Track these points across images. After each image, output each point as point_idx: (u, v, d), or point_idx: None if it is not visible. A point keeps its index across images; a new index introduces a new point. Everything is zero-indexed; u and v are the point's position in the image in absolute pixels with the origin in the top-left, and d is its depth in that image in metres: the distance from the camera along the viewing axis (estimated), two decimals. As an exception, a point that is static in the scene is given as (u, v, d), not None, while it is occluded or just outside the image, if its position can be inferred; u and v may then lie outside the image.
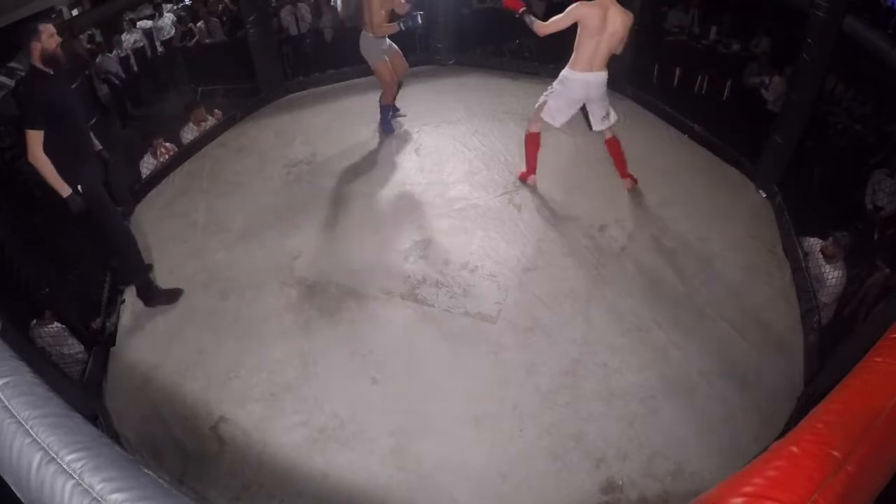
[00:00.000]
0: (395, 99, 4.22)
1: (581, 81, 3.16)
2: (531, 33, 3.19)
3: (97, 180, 2.72)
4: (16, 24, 2.69)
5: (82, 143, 2.69)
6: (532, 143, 3.57)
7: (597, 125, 3.37)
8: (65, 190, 2.53)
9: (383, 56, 3.90)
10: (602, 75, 3.16)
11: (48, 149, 2.48)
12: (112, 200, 2.82)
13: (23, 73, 2.71)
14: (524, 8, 3.20)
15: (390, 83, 3.99)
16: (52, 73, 2.47)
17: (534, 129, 3.50)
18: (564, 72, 3.21)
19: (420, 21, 3.68)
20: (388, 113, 4.21)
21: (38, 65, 2.46)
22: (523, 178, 3.75)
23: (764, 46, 5.01)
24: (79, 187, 2.59)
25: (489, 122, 3.87)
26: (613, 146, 3.52)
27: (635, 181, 3.66)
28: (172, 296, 3.02)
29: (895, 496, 0.95)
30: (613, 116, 3.37)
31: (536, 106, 3.40)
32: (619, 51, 3.14)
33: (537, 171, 3.71)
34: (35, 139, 2.43)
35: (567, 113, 3.33)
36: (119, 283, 3.07)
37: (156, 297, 2.99)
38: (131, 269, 2.97)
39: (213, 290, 3.07)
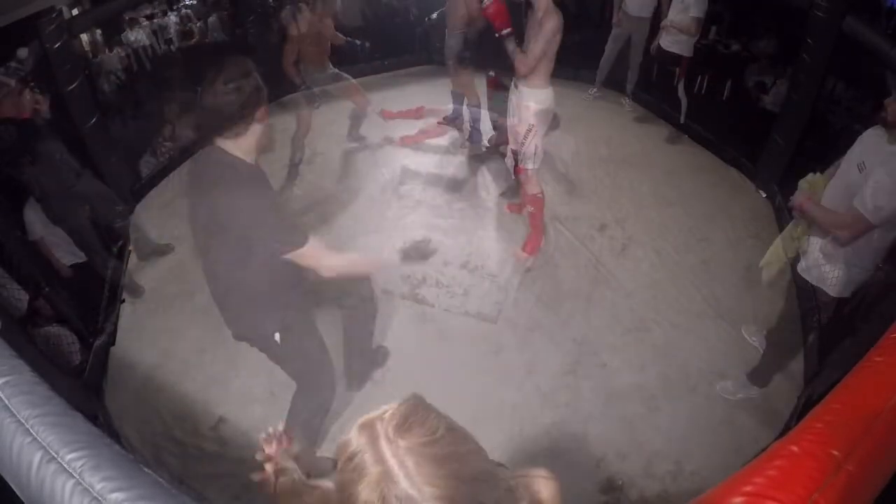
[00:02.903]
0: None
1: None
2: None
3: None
4: (16, 23, 2.57)
5: None
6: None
7: None
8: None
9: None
10: None
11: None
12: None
13: None
14: (509, 29, 2.59)
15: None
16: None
17: None
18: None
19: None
20: None
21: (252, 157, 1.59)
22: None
23: (764, 47, 4.99)
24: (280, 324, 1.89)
25: (489, 120, 3.89)
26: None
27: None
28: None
29: (895, 496, 0.95)
30: None
31: None
32: None
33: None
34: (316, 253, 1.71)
35: None
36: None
37: None
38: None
39: (214, 290, 3.06)
